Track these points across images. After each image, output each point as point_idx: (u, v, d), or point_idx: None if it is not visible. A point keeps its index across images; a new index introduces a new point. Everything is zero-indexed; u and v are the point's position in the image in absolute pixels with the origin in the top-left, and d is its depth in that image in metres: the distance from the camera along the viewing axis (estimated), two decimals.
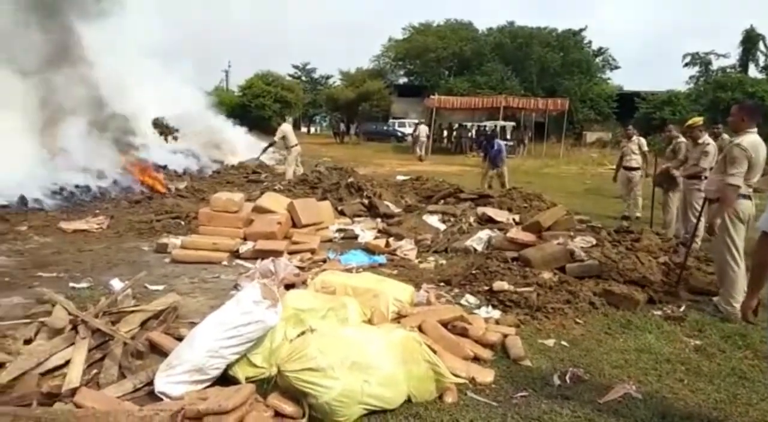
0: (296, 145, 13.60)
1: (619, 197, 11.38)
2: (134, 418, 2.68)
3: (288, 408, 2.92)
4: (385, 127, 40.79)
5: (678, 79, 64.35)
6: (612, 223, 8.74)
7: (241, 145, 21.37)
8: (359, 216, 8.83)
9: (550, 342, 4.15)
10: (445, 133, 34.38)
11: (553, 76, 39.96)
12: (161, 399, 3.12)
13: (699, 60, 43.81)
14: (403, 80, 48.73)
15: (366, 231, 7.88)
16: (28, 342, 3.77)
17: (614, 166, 11.59)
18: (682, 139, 8.38)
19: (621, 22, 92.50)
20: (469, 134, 31.57)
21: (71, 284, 5.35)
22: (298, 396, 2.96)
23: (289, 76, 52.22)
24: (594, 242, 6.10)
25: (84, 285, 5.35)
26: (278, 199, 8.09)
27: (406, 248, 6.89)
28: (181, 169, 14.97)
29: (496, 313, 4.69)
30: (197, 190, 11.94)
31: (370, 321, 3.80)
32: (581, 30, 43.38)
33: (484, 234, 7.18)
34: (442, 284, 5.56)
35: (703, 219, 6.01)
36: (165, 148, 16.02)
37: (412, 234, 7.52)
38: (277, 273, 5.56)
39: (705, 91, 33.91)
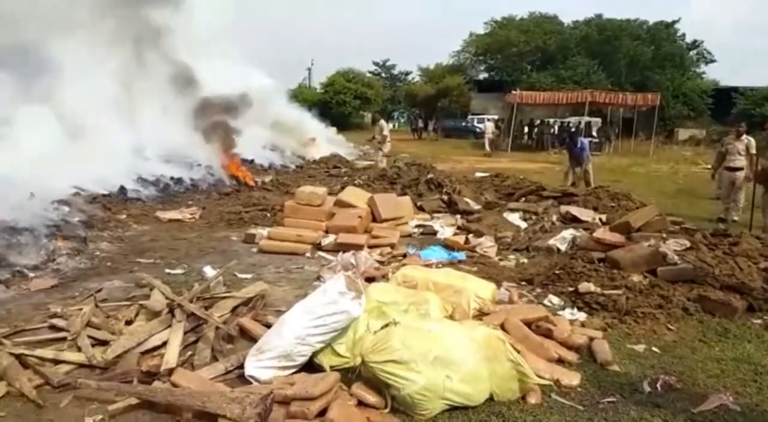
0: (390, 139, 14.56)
1: (716, 198, 10.67)
2: (227, 399, 2.82)
3: (371, 398, 2.97)
4: (463, 123, 40.30)
5: None
6: (707, 226, 8.22)
7: (323, 140, 21.83)
8: (438, 212, 8.81)
9: (640, 347, 3.97)
10: (526, 129, 33.54)
11: (643, 70, 38.04)
12: (250, 383, 3.26)
13: None
14: (483, 75, 48.02)
15: (445, 227, 7.85)
16: (129, 322, 4.05)
17: (710, 166, 10.84)
18: None
19: (717, 14, 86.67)
20: (552, 130, 30.64)
21: (167, 270, 5.69)
22: (381, 387, 3.01)
23: (370, 72, 52.82)
24: (688, 245, 5.79)
25: (179, 271, 5.68)
26: (359, 193, 8.20)
27: (486, 245, 6.79)
28: (267, 163, 15.50)
29: (582, 315, 4.54)
30: (281, 183, 12.35)
31: (451, 317, 3.78)
32: (674, 22, 41.04)
33: (568, 233, 6.96)
34: (523, 283, 5.46)
35: None
36: (251, 143, 16.60)
37: (492, 231, 7.42)
38: (358, 266, 5.66)
39: None
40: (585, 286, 4.92)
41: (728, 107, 32.06)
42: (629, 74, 38.40)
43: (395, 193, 9.23)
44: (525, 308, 4.31)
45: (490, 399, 3.11)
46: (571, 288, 5.07)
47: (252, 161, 14.84)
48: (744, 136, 9.69)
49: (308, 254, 6.54)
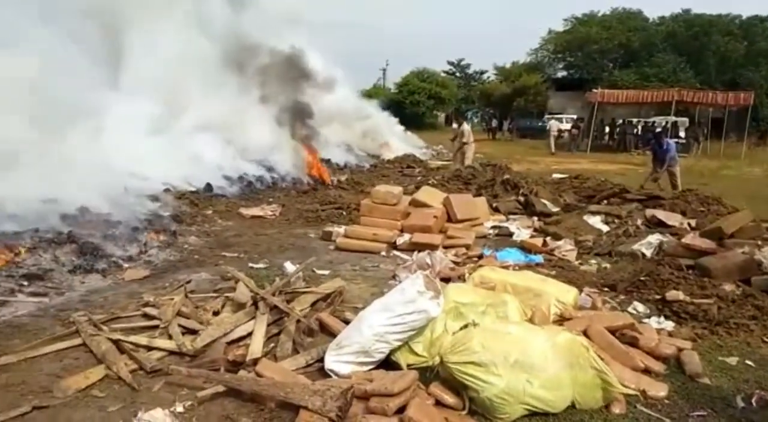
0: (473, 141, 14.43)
1: None
2: (308, 391, 2.90)
3: (449, 398, 2.97)
4: (539, 123, 39.27)
5: None
6: None
7: (397, 140, 21.96)
8: (514, 213, 8.67)
9: (733, 360, 3.75)
10: (607, 129, 32.28)
11: (735, 68, 35.80)
12: (330, 376, 3.33)
13: None
14: (561, 74, 46.69)
15: (522, 229, 7.71)
16: (216, 313, 4.25)
17: None
18: None
19: None
20: (635, 130, 29.33)
21: (250, 264, 5.91)
22: (459, 388, 3.00)
23: (444, 72, 52.62)
24: None
25: (261, 265, 5.89)
26: (434, 193, 8.20)
27: (565, 248, 6.61)
28: (342, 163, 15.78)
29: (669, 325, 4.34)
30: (356, 182, 12.53)
31: (530, 321, 3.71)
32: None
33: (654, 238, 6.65)
34: (605, 289, 5.27)
35: None
36: (328, 142, 16.95)
37: (571, 234, 7.21)
38: (433, 266, 5.65)
39: None
40: (673, 294, 4.69)
41: None
42: (719, 72, 36.22)
43: (470, 194, 9.16)
44: (609, 315, 4.16)
45: (572, 406, 3.03)
46: (657, 296, 4.86)
47: (328, 160, 15.16)
48: None
49: (383, 253, 6.60)
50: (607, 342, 3.57)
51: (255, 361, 3.41)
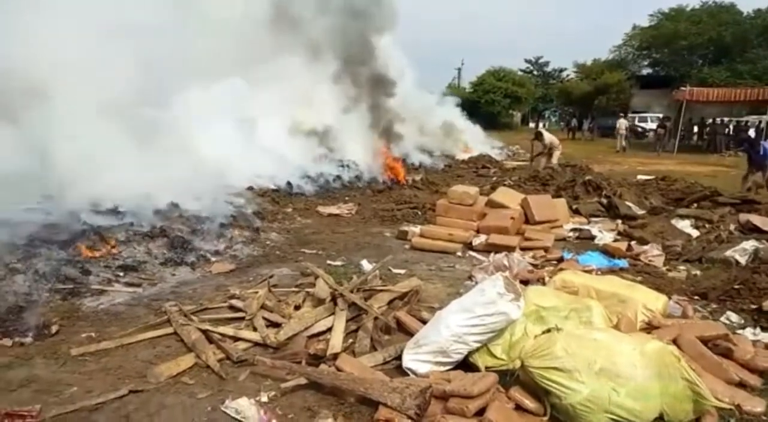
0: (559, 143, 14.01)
1: None
2: (387, 388, 2.94)
3: (530, 403, 2.91)
4: None
5: None
6: None
7: (472, 140, 21.74)
8: (596, 216, 8.38)
9: None
10: (696, 128, 30.51)
11: None
12: (407, 374, 3.36)
13: None
14: (646, 71, 44.57)
15: (604, 232, 7.45)
16: (297, 308, 4.37)
17: None
18: None
19: None
20: (726, 130, 27.55)
21: (328, 261, 6.05)
22: (540, 394, 2.94)
23: (521, 70, 51.57)
24: None
25: (338, 263, 6.01)
26: (512, 193, 8.07)
27: (652, 253, 6.31)
28: (417, 162, 15.80)
29: (766, 336, 4.06)
30: (431, 182, 12.51)
31: (616, 328, 3.58)
32: None
33: (749, 244, 6.24)
34: (696, 297, 5.01)
35: None
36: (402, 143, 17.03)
37: (658, 239, 6.89)
38: (511, 268, 5.57)
39: None
40: None
41: None
42: None
43: (549, 195, 8.93)
44: (700, 324, 3.94)
45: (660, 418, 2.90)
46: (753, 306, 4.57)
47: (403, 160, 15.22)
48: None
49: (459, 253, 6.56)
50: (698, 353, 3.39)
51: (335, 356, 3.49)
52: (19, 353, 3.68)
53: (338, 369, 3.30)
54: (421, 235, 7.02)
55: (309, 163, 11.51)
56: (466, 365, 3.39)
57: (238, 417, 2.95)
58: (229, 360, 3.59)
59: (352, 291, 4.35)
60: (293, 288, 4.87)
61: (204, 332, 3.87)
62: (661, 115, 31.01)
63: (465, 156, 18.89)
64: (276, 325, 4.04)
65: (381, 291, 4.66)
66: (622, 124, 26.86)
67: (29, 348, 3.76)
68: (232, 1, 11.34)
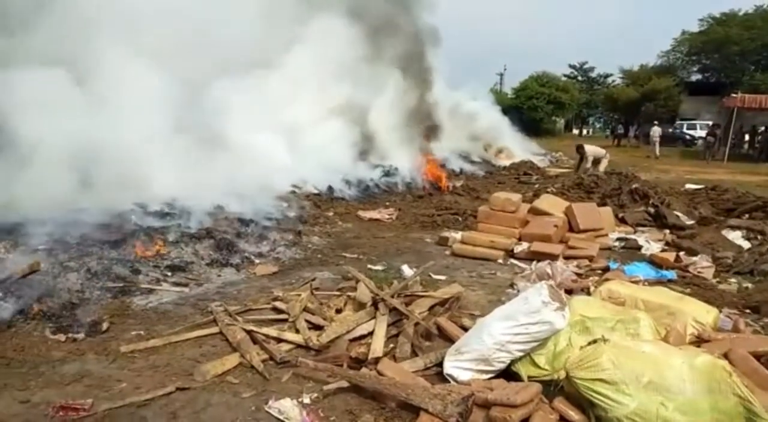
0: (606, 152, 13.90)
1: None
2: (429, 394, 2.94)
3: (575, 415, 2.86)
4: (670, 129, 36.60)
5: None
6: None
7: (514, 146, 21.52)
8: (643, 225, 8.18)
9: None
10: (747, 136, 29.41)
11: None
12: (448, 381, 3.34)
13: None
14: (695, 77, 43.24)
15: (651, 242, 7.27)
16: (338, 311, 4.42)
17: None
18: None
19: None
20: None
21: (369, 265, 6.08)
22: (585, 406, 2.88)
23: (565, 76, 50.72)
24: None
25: (379, 267, 6.03)
26: (555, 201, 7.95)
27: (701, 265, 6.13)
28: (458, 169, 15.74)
29: None
30: (471, 188, 12.43)
31: (664, 341, 3.48)
32: None
33: None
34: (747, 311, 4.84)
35: None
36: (443, 148, 16.99)
37: (707, 250, 6.68)
38: (554, 276, 5.48)
39: None
40: None
41: None
42: None
43: (594, 203, 8.76)
44: (753, 339, 3.79)
45: None
46: None
47: (444, 166, 15.17)
48: None
49: (500, 260, 6.50)
50: (751, 368, 3.26)
51: (376, 360, 3.50)
52: (72, 348, 3.82)
53: (379, 374, 3.30)
54: (462, 242, 6.97)
55: (350, 168, 11.58)
56: (508, 374, 3.35)
57: (281, 417, 2.99)
58: (273, 360, 3.64)
59: (393, 296, 4.36)
60: (335, 292, 4.91)
61: (248, 332, 3.94)
62: (710, 123, 30.07)
63: (506, 162, 18.70)
64: (318, 328, 4.08)
65: (422, 296, 4.66)
66: (656, 131, 27.57)
67: (81, 344, 3.90)
68: None
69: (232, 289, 5.21)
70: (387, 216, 8.99)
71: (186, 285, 5.21)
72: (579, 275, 5.74)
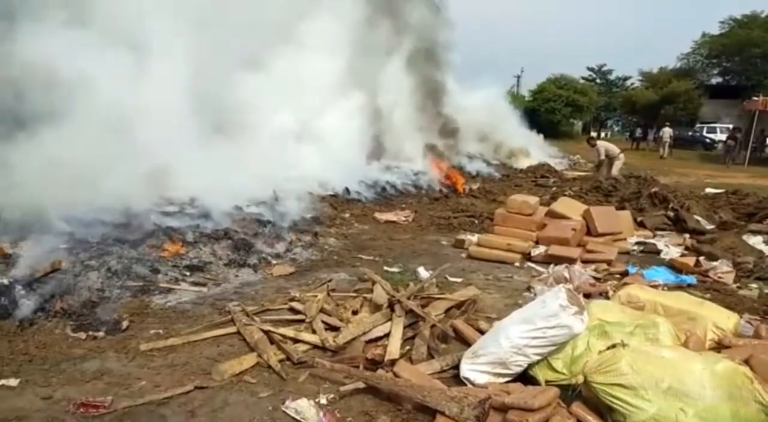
0: (621, 153, 13.46)
1: None
2: (446, 397, 2.93)
3: (592, 420, 2.84)
4: (689, 133, 36.17)
5: None
6: None
7: (531, 149, 21.41)
8: (662, 229, 8.09)
9: None
10: None
11: None
12: (464, 384, 3.34)
13: None
14: (716, 80, 42.66)
15: (671, 246, 7.19)
16: (355, 312, 4.43)
17: None
18: None
19: None
20: None
21: (385, 267, 6.09)
22: (603, 411, 2.86)
23: (583, 78, 50.34)
24: None
25: (395, 269, 6.04)
26: (573, 204, 7.90)
27: (722, 270, 6.04)
28: (474, 171, 15.69)
29: None
30: (488, 191, 12.39)
31: (684, 346, 3.44)
32: None
33: None
34: None
35: None
36: (459, 150, 16.95)
37: (728, 255, 6.59)
38: (571, 280, 5.45)
39: None
40: None
41: None
42: None
43: (612, 206, 8.68)
44: None
45: None
46: None
47: (460, 168, 15.13)
48: None
49: (517, 263, 6.47)
50: None
51: (392, 362, 3.50)
52: (92, 346, 3.88)
53: (396, 376, 3.31)
54: (479, 244, 6.95)
55: (365, 169, 11.60)
56: (525, 378, 3.34)
57: (297, 417, 3.01)
58: (290, 361, 3.67)
59: (409, 298, 4.36)
60: (351, 293, 4.93)
61: (266, 333, 3.97)
62: (731, 126, 29.66)
63: (524, 165, 18.60)
64: (334, 329, 4.10)
65: (438, 299, 4.66)
66: (666, 132, 28.69)
67: (101, 342, 3.95)
68: None
69: (250, 289, 5.25)
70: (403, 219, 8.99)
71: (204, 284, 5.26)
72: (597, 279, 5.69)
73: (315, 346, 3.88)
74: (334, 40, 11.64)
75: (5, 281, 4.40)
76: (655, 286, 5.13)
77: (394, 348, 3.66)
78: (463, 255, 6.88)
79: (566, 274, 5.57)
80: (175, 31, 7.89)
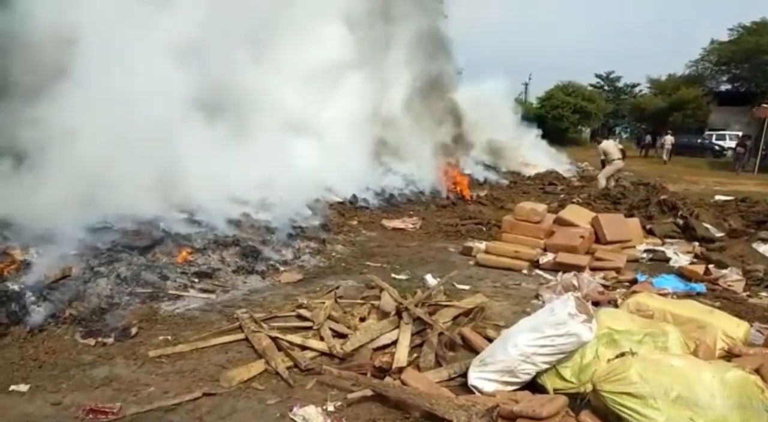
0: (618, 158, 13.19)
1: None
2: (453, 405, 2.93)
3: None
4: (698, 140, 36.00)
5: None
6: None
7: (539, 156, 21.38)
8: (671, 237, 8.04)
9: None
10: None
11: None
12: (472, 392, 3.33)
13: None
14: (725, 87, 42.49)
15: (680, 254, 7.14)
16: (362, 319, 4.43)
17: None
18: None
19: None
20: None
21: (392, 274, 6.09)
22: (611, 419, 2.84)
23: (591, 85, 50.29)
24: None
25: (403, 276, 6.04)
26: (581, 211, 7.87)
27: (731, 278, 6.01)
28: (482, 178, 15.69)
29: None
30: (496, 198, 12.39)
31: (693, 355, 3.41)
32: None
33: None
34: None
35: None
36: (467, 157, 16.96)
37: (737, 263, 6.55)
38: (580, 288, 5.42)
39: None
40: None
41: None
42: None
43: (621, 214, 8.64)
44: None
45: None
46: None
47: (468, 175, 15.14)
48: None
49: (525, 271, 6.45)
50: None
51: (400, 369, 3.50)
52: (101, 352, 3.90)
53: (403, 383, 3.30)
54: (487, 252, 6.94)
55: (374, 177, 11.62)
56: (533, 386, 3.33)
57: None
58: (297, 368, 3.67)
59: (416, 306, 4.35)
60: (359, 300, 4.93)
61: (273, 339, 3.97)
62: (740, 133, 29.54)
63: (531, 172, 18.58)
64: (342, 336, 4.10)
65: (446, 306, 4.65)
66: (667, 139, 30.27)
67: (110, 348, 3.97)
68: None
69: (258, 296, 5.27)
70: (411, 226, 9.00)
71: (212, 291, 5.28)
72: (606, 287, 5.67)
73: (322, 353, 3.89)
74: (341, 40, 11.70)
75: (16, 287, 4.44)
76: (664, 294, 5.10)
77: (401, 355, 3.66)
78: (471, 262, 6.87)
79: (575, 282, 5.55)
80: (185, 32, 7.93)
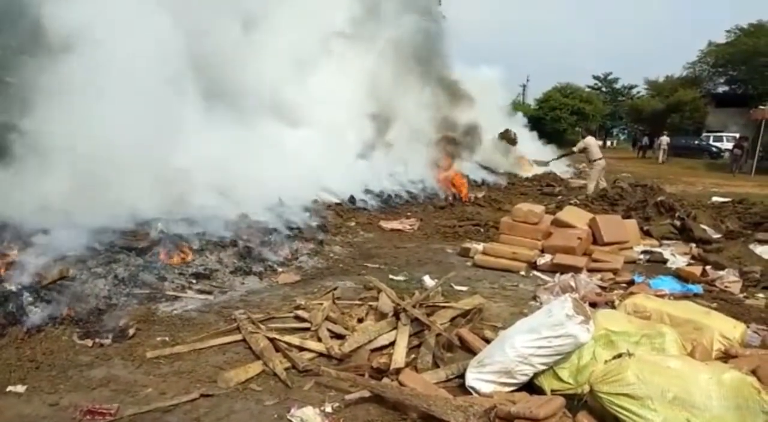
0: (599, 158, 12.98)
1: None
2: (450, 406, 2.93)
3: None
4: (696, 142, 36.12)
5: None
6: None
7: (535, 156, 21.43)
8: (668, 238, 8.05)
9: None
10: None
11: None
12: (470, 393, 3.33)
13: None
14: (722, 89, 42.66)
15: (677, 255, 7.17)
16: (360, 320, 4.43)
17: None
18: None
19: None
20: None
21: (390, 276, 6.10)
22: (608, 420, 2.85)
23: (589, 87, 50.49)
24: None
25: (400, 277, 6.05)
26: (579, 213, 7.88)
27: (728, 279, 6.02)
28: (479, 179, 15.70)
29: None
30: (493, 199, 12.40)
31: (690, 356, 3.43)
32: None
33: None
34: None
35: None
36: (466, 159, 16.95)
37: (735, 264, 6.56)
38: (577, 289, 5.44)
39: None
40: None
41: None
42: None
43: (619, 215, 8.66)
44: None
45: None
46: None
47: (466, 176, 15.15)
48: None
49: (522, 272, 6.45)
50: None
51: (398, 371, 3.50)
52: (99, 353, 3.89)
53: (401, 384, 3.31)
54: (484, 253, 6.95)
55: (371, 177, 11.62)
56: (530, 387, 3.34)
57: None
58: (295, 369, 3.67)
59: (414, 307, 4.36)
60: (356, 302, 4.93)
61: (271, 340, 3.97)
62: (737, 135, 29.64)
63: (529, 173, 18.60)
64: (339, 337, 4.10)
65: (443, 307, 4.65)
66: (663, 140, 31.88)
67: (108, 349, 3.97)
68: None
69: (255, 297, 5.26)
70: (409, 227, 9.00)
71: (210, 292, 5.28)
72: (603, 288, 5.68)
73: (320, 354, 3.89)
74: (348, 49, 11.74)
75: (13, 288, 4.43)
76: (661, 296, 5.11)
77: (399, 356, 3.66)
78: (469, 263, 6.88)
79: (572, 283, 5.56)
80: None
